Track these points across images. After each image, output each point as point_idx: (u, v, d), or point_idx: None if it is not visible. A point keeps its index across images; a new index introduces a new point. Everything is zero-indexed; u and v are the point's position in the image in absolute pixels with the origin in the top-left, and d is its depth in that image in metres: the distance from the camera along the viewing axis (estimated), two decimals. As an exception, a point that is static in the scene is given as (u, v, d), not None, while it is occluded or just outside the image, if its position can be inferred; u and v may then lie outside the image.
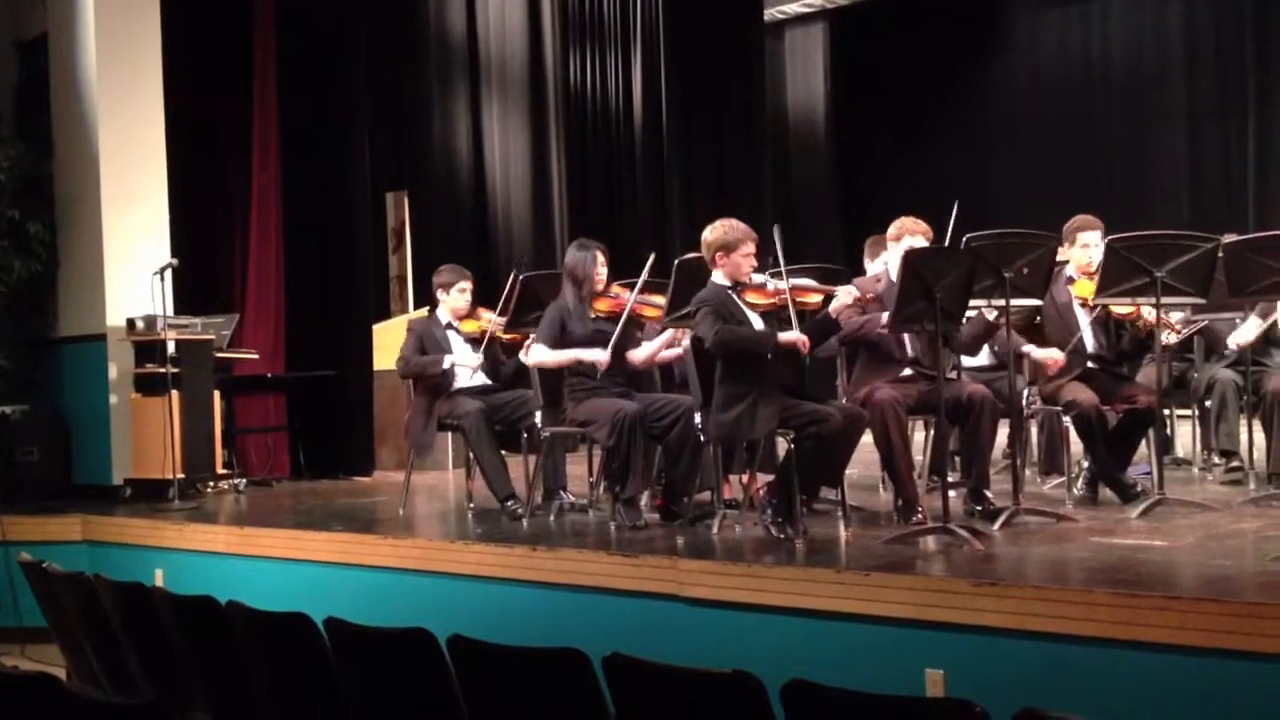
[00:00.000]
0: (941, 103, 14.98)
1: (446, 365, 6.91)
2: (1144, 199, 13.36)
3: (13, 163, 8.66)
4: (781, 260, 5.76)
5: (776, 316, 5.86)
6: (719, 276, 5.91)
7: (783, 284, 5.77)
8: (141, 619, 4.70)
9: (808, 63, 15.92)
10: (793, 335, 5.67)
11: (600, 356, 6.29)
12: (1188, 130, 13.55)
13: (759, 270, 5.96)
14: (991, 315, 5.98)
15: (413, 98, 11.12)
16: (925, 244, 6.07)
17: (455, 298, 7.14)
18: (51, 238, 8.79)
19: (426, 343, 7.05)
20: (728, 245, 5.87)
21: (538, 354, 6.47)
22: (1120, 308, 6.25)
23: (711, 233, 5.95)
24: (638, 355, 6.55)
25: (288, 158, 9.69)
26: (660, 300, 6.52)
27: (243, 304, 9.52)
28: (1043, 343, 6.49)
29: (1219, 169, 13.39)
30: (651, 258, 6.62)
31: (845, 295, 5.78)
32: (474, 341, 7.07)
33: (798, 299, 5.81)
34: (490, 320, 7.08)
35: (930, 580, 4.63)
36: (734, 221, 5.96)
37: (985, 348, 7.04)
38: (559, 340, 6.43)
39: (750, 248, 5.89)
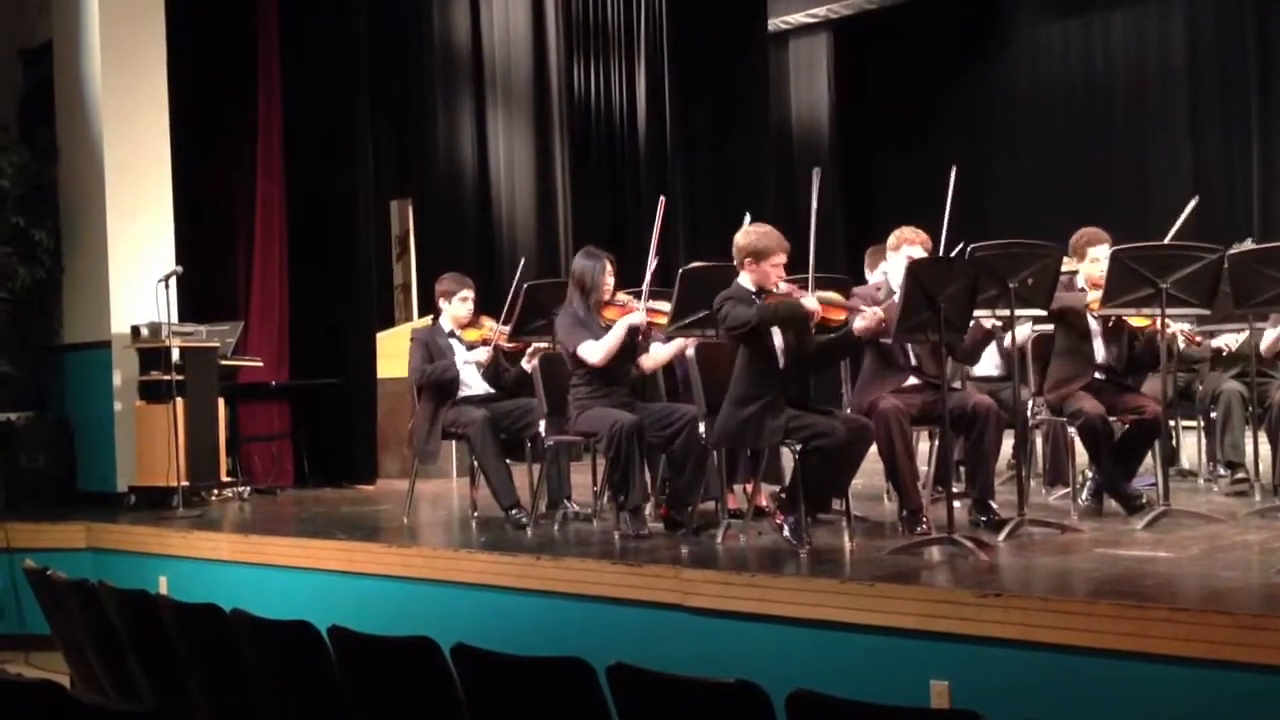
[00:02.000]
0: (944, 113, 14.98)
1: (460, 364, 6.93)
2: (1147, 209, 13.32)
3: (17, 170, 8.68)
4: (815, 205, 5.72)
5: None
6: (745, 280, 5.82)
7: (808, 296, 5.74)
8: (145, 627, 4.70)
9: (812, 72, 15.94)
10: (813, 301, 5.62)
11: (637, 318, 6.29)
12: (1191, 141, 13.55)
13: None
14: (989, 324, 5.97)
15: (417, 106, 11.13)
16: (924, 253, 6.07)
17: (457, 306, 7.14)
18: (56, 245, 8.80)
19: (432, 351, 7.05)
20: (759, 252, 5.78)
21: (589, 351, 6.29)
22: (1138, 320, 6.27)
23: (744, 237, 5.86)
24: (648, 361, 6.55)
25: (292, 165, 9.70)
26: (668, 307, 6.52)
27: (247, 311, 9.53)
28: (1056, 352, 6.49)
29: (1222, 179, 13.37)
30: (647, 285, 6.58)
31: (870, 318, 5.63)
32: (475, 350, 7.08)
33: (822, 312, 5.78)
34: (493, 328, 7.09)
35: (935, 591, 4.62)
36: (769, 229, 5.86)
37: (993, 357, 7.05)
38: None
39: (781, 258, 5.80)
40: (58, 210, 8.86)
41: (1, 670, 4.70)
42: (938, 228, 6.37)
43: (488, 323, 7.17)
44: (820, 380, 6.46)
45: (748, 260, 5.81)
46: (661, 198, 6.89)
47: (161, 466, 7.93)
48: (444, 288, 7.20)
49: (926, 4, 14.58)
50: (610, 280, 6.53)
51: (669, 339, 6.54)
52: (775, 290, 5.81)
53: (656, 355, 6.58)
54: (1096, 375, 6.39)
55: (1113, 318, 6.26)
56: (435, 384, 6.98)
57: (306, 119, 9.67)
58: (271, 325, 9.61)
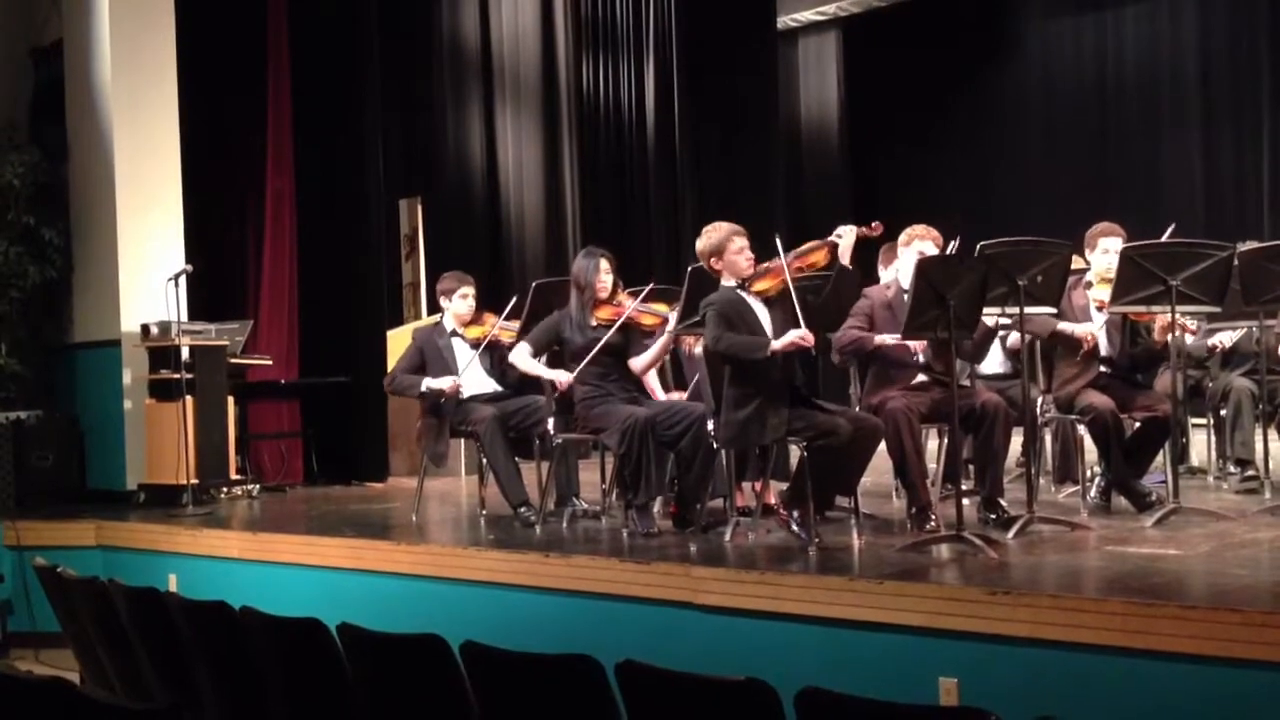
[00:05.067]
0: (954, 110, 14.96)
1: (423, 389, 6.93)
2: (1157, 207, 13.28)
3: (28, 169, 8.70)
4: (780, 250, 5.73)
5: (786, 297, 5.82)
6: (726, 280, 5.91)
7: (781, 260, 5.75)
8: (155, 624, 4.71)
9: (821, 70, 15.91)
10: (786, 339, 5.59)
11: (562, 378, 6.36)
12: (1201, 138, 13.50)
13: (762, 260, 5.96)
14: (990, 322, 5.97)
15: (426, 104, 11.14)
16: (935, 250, 6.07)
17: (458, 304, 7.15)
18: (66, 244, 8.83)
19: (427, 353, 7.06)
20: (718, 248, 5.88)
21: (518, 354, 6.60)
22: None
23: (700, 242, 5.97)
24: (638, 363, 6.55)
25: (301, 164, 9.72)
26: (661, 308, 6.52)
27: (256, 310, 9.55)
28: (1060, 352, 6.48)
29: (1233, 177, 13.33)
30: (649, 286, 6.65)
31: (849, 235, 5.78)
32: (479, 347, 7.10)
33: (804, 265, 5.79)
34: (495, 324, 7.09)
35: (944, 588, 4.62)
36: (717, 224, 5.97)
37: (1001, 355, 7.04)
38: (547, 348, 6.53)
39: (740, 242, 5.88)
40: (68, 209, 8.88)
41: (12, 667, 4.71)
42: (947, 225, 6.36)
43: (490, 319, 7.18)
44: (828, 378, 6.46)
45: (713, 260, 5.91)
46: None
47: (171, 465, 7.94)
48: (444, 286, 7.22)
49: (936, 2, 14.56)
50: (606, 278, 6.53)
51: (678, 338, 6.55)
52: (752, 274, 5.86)
53: (644, 358, 6.57)
54: (1101, 369, 6.39)
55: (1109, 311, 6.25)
56: (400, 395, 7.25)
57: (316, 117, 9.69)
58: (281, 324, 9.63)
